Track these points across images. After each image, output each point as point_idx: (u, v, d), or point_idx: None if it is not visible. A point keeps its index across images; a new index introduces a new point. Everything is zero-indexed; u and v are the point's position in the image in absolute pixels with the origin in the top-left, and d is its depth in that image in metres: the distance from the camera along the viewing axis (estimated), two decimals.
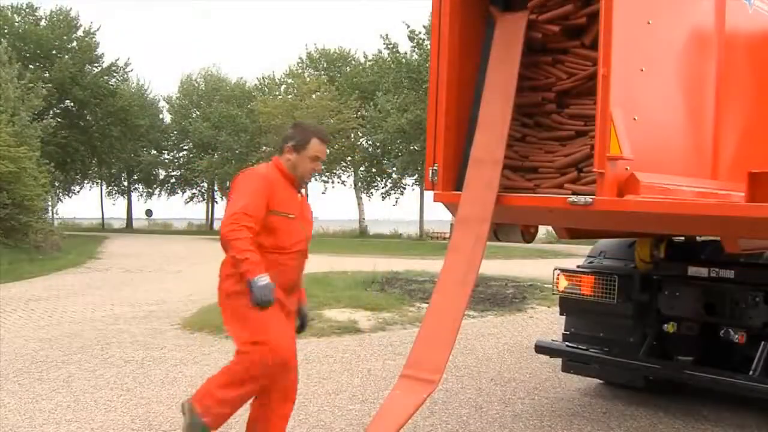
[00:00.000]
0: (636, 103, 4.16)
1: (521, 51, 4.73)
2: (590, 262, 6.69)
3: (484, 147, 4.69)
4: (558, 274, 6.50)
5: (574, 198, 4.29)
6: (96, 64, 49.68)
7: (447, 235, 40.05)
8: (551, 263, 26.80)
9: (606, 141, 4.00)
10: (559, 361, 6.98)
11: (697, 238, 6.22)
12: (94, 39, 49.00)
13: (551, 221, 5.81)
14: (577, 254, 32.52)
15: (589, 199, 4.18)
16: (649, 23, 4.28)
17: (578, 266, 6.63)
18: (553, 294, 6.77)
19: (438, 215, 52.98)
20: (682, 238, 6.27)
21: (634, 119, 4.12)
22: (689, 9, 4.74)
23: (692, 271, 5.77)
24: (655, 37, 4.36)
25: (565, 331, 6.77)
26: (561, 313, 6.77)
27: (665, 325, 5.82)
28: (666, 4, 4.52)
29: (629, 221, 4.76)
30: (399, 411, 4.25)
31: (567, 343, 6.57)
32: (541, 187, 4.66)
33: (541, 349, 6.60)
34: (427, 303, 12.39)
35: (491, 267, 22.30)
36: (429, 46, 34.83)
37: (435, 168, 4.97)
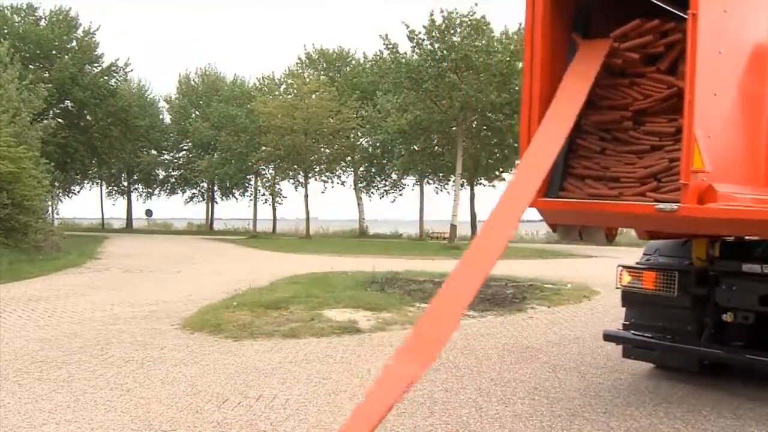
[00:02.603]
0: (710, 124, 4.78)
1: (597, 74, 5.45)
2: (647, 260, 7.43)
3: (535, 156, 5.35)
4: (621, 270, 7.24)
5: (661, 206, 4.93)
6: (96, 64, 49.70)
7: (447, 235, 40.13)
8: (551, 263, 26.87)
9: (690, 157, 4.68)
10: (558, 361, 7.14)
11: (745, 239, 6.95)
12: (93, 39, 49.04)
13: (635, 225, 7.03)
14: (577, 254, 32.63)
15: (674, 206, 4.82)
16: (720, 53, 4.90)
17: (636, 263, 7.37)
18: (616, 288, 7.35)
19: (438, 215, 53.14)
20: (731, 238, 6.95)
21: (709, 137, 4.76)
22: (749, 40, 5.44)
23: (746, 267, 6.51)
24: (725, 66, 5.03)
25: (625, 321, 7.45)
26: (622, 305, 7.41)
27: (723, 315, 6.55)
28: (732, 37, 5.17)
29: (706, 225, 5.61)
30: (393, 384, 4.27)
31: (632, 331, 7.27)
32: (624, 195, 5.31)
33: (608, 337, 7.41)
34: (427, 303, 12.41)
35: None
36: (428, 46, 35.01)
37: None
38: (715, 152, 4.78)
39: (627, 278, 7.17)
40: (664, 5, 5.52)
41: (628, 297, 7.28)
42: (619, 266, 7.31)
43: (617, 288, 7.34)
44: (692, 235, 6.86)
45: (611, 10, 5.76)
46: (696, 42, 4.68)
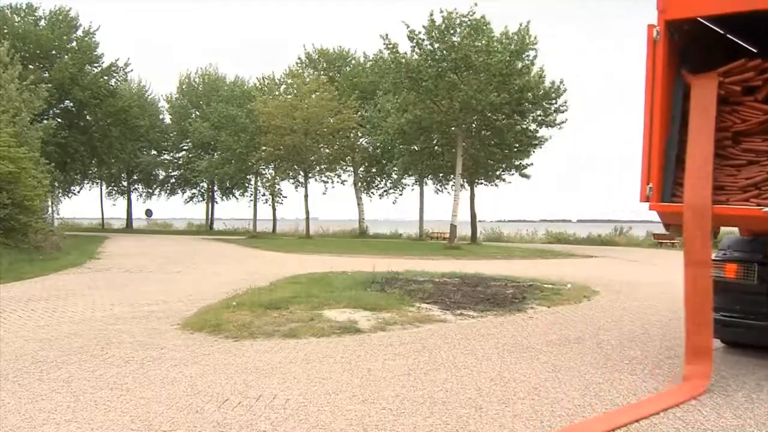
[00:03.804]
0: None
1: (716, 103, 7.19)
2: (723, 254, 8.55)
3: (697, 173, 7.04)
4: None
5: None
6: (96, 65, 49.71)
7: (447, 236, 40.14)
8: (551, 264, 26.87)
9: None
10: (558, 361, 7.21)
11: None
12: (93, 39, 49.02)
13: (741, 225, 8.64)
14: (575, 254, 32.60)
15: None
16: None
17: (715, 257, 8.34)
18: None
19: (438, 216, 53.15)
20: None
21: None
22: None
23: None
24: None
25: None
26: None
27: None
28: None
29: None
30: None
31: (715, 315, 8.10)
32: (730, 200, 7.06)
33: None
34: (427, 303, 12.45)
35: (491, 267, 22.35)
36: (428, 46, 35.04)
37: (650, 186, 7.36)
38: None
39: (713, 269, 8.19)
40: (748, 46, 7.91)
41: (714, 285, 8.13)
42: None
43: None
44: None
45: (702, 48, 7.78)
46: None
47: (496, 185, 46.67)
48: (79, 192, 62.42)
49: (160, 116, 64.37)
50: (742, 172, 7.18)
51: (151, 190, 67.59)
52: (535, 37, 37.23)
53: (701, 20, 7.68)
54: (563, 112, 39.91)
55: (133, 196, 67.52)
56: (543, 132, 41.43)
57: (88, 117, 49.92)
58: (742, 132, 7.29)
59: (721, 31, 8.08)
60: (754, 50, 8.12)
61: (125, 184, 66.71)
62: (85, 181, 62.22)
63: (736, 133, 7.33)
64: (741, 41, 8.09)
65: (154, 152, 64.18)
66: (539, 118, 40.39)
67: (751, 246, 8.46)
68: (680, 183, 7.33)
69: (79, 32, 48.82)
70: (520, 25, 37.15)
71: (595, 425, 5.72)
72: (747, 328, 8.21)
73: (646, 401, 6.40)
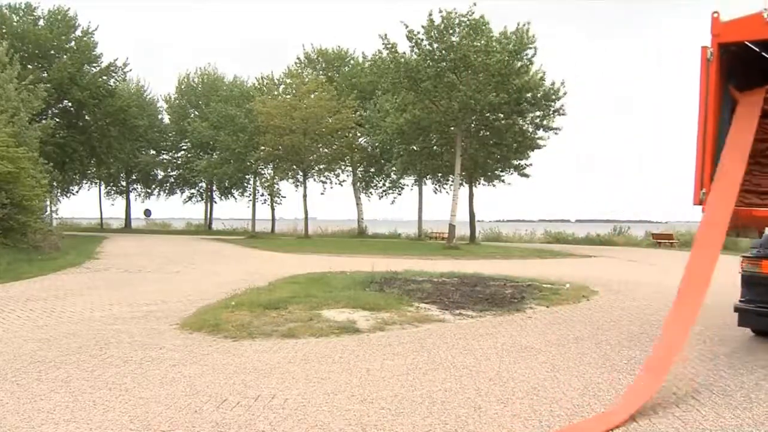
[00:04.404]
0: None
1: (758, 118, 8.17)
2: (757, 252, 9.39)
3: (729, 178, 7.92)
4: (743, 260, 9.49)
5: None
6: (94, 64, 49.64)
7: (445, 235, 40.13)
8: (549, 263, 26.87)
9: None
10: (557, 361, 7.14)
11: None
12: (92, 39, 48.98)
13: None
14: (574, 254, 32.59)
15: None
16: None
17: (749, 255, 9.45)
18: (739, 273, 9.55)
19: (436, 216, 53.23)
20: None
21: None
22: None
23: None
24: None
25: (741, 298, 9.49)
26: (741, 286, 9.51)
27: None
28: None
29: None
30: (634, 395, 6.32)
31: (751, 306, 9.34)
32: None
33: (738, 309, 9.46)
34: (426, 303, 12.45)
35: (490, 267, 22.35)
36: (427, 46, 35.06)
37: (704, 191, 8.37)
38: None
39: (747, 265, 9.38)
40: None
41: (748, 279, 9.39)
42: (742, 256, 9.65)
43: (739, 273, 9.54)
44: None
45: (744, 67, 8.78)
46: None
47: (494, 185, 46.74)
48: (77, 192, 62.52)
49: (159, 116, 64.34)
50: None
51: (149, 190, 67.58)
52: (534, 36, 37.24)
53: (747, 43, 8.83)
54: (562, 115, 39.94)
55: (132, 196, 67.61)
56: (541, 135, 41.46)
57: (86, 117, 49.89)
58: None
59: (763, 53, 9.21)
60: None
61: (124, 183, 66.69)
62: (84, 181, 62.21)
63: None
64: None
65: (152, 152, 64.15)
66: (537, 120, 40.40)
67: None
68: None
69: (78, 32, 48.78)
70: (518, 24, 37.14)
71: (594, 425, 5.73)
72: None
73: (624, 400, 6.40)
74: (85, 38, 48.58)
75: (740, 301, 9.46)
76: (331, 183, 54.42)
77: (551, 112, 39.82)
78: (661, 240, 45.73)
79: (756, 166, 8.41)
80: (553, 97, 38.98)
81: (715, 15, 8.43)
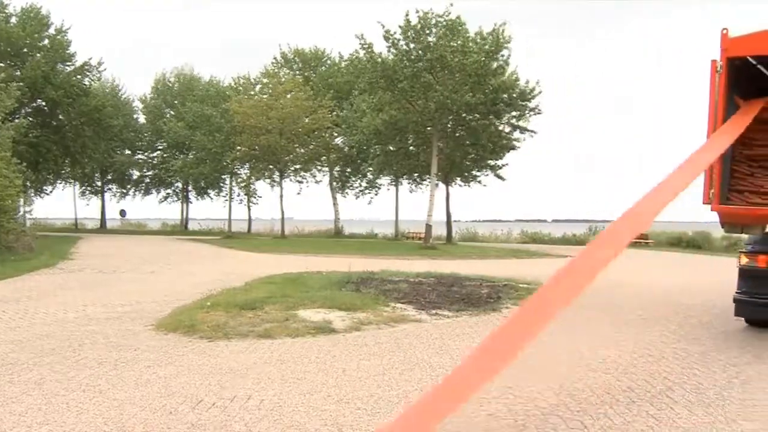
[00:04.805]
0: None
1: (750, 123, 8.90)
2: (751, 248, 10.23)
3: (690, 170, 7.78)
4: (740, 255, 10.29)
5: None
6: (68, 63, 49.11)
7: (422, 235, 40.19)
8: (526, 263, 26.98)
9: None
10: (532, 360, 7.20)
11: None
12: (65, 37, 48.48)
13: None
14: (551, 254, 32.76)
15: None
16: None
17: (746, 251, 10.25)
18: (737, 267, 10.30)
19: (413, 216, 53.27)
20: None
21: None
22: None
23: None
24: None
25: (738, 290, 10.24)
26: (739, 279, 10.21)
27: None
28: None
29: None
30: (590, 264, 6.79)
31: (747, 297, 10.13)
32: None
33: (736, 300, 10.26)
34: (402, 303, 12.45)
35: (466, 267, 22.41)
36: (404, 47, 35.10)
37: (712, 191, 9.41)
38: None
39: (745, 260, 10.15)
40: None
41: (745, 273, 10.14)
42: (739, 251, 10.43)
43: (737, 267, 10.25)
44: None
45: (744, 79, 9.66)
46: None
47: (469, 186, 46.92)
48: (51, 192, 61.72)
49: (135, 116, 63.85)
50: None
51: (125, 190, 66.95)
52: (509, 37, 37.44)
53: (748, 58, 9.74)
54: (538, 114, 40.19)
55: (107, 196, 66.93)
56: (517, 136, 41.77)
57: (60, 116, 49.31)
58: None
59: (760, 67, 10.06)
60: None
61: (99, 184, 66.05)
62: (58, 181, 61.48)
63: None
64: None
65: (128, 152, 63.62)
66: (513, 120, 40.64)
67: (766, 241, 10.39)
68: (733, 189, 9.70)
69: (51, 30, 48.25)
70: (495, 25, 37.30)
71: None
72: None
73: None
74: (58, 36, 48.04)
75: (737, 292, 10.24)
76: (307, 182, 54.36)
77: (527, 112, 40.05)
78: (637, 239, 45.99)
79: (759, 170, 9.64)
80: (529, 96, 39.22)
81: (725, 31, 9.36)
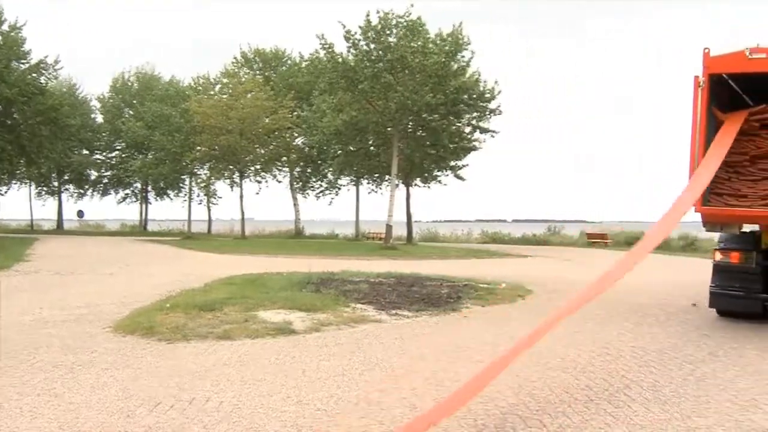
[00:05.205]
0: None
1: (736, 134, 10.43)
2: (723, 245, 11.48)
3: (697, 184, 9.73)
4: (715, 251, 11.59)
5: None
6: (23, 61, 48.27)
7: (382, 236, 40.22)
8: (486, 263, 27.12)
9: None
10: (490, 360, 7.11)
11: None
12: (20, 34, 47.65)
13: (762, 223, 11.10)
14: (511, 254, 32.95)
15: None
16: None
17: (719, 248, 11.52)
18: (713, 262, 11.49)
19: (374, 216, 53.33)
20: None
21: None
22: None
23: None
24: None
25: (712, 284, 11.48)
26: (713, 274, 11.44)
27: None
28: None
29: None
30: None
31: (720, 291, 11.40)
32: (753, 206, 10.36)
33: (712, 293, 11.47)
34: (362, 304, 12.45)
35: (427, 267, 22.46)
36: (364, 47, 35.12)
37: None
38: None
39: (719, 256, 11.38)
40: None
41: (719, 268, 11.36)
42: (714, 249, 11.69)
43: (712, 263, 11.51)
44: None
45: (719, 94, 10.92)
46: None
47: (429, 187, 47.13)
48: (6, 192, 60.76)
49: (92, 115, 63.04)
50: (758, 185, 10.58)
51: (83, 191, 66.03)
52: (469, 38, 37.72)
53: (724, 75, 11.03)
54: (498, 115, 40.48)
55: (64, 196, 65.96)
56: (477, 136, 42.06)
57: (15, 115, 48.43)
58: (758, 156, 10.74)
59: (731, 83, 11.40)
60: (746, 97, 11.68)
61: (56, 184, 65.04)
62: (13, 181, 60.52)
63: (753, 156, 10.74)
64: (740, 91, 11.64)
65: (86, 152, 62.78)
66: (473, 121, 40.90)
67: (745, 239, 11.55)
68: (714, 192, 10.67)
69: (5, 27, 47.42)
70: (454, 26, 37.54)
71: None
72: (742, 300, 11.11)
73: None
74: (12, 33, 47.21)
75: (711, 286, 11.48)
76: (267, 182, 54.15)
77: (487, 113, 40.32)
78: (596, 239, 46.56)
79: (735, 175, 10.77)
80: (487, 96, 39.48)
81: (706, 50, 10.64)
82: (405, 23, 35.73)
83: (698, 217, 11.11)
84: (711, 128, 10.78)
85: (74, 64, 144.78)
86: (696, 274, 19.22)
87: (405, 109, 36.23)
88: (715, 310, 12.00)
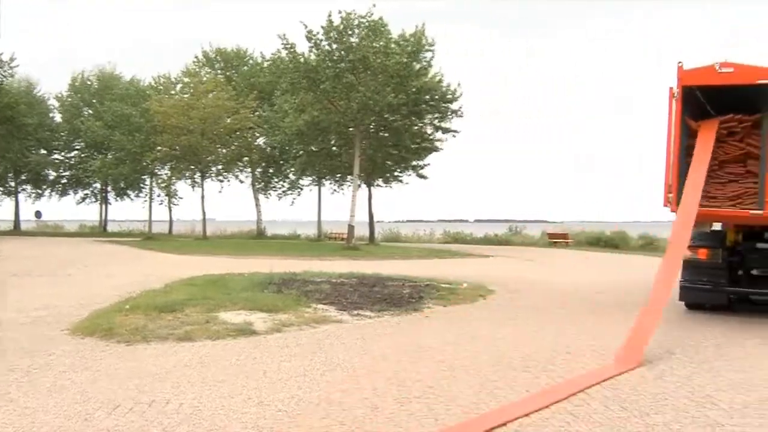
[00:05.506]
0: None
1: (714, 142, 11.62)
2: (694, 243, 12.02)
3: (695, 188, 11.01)
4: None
5: (754, 211, 11.04)
6: None
7: (344, 236, 40.20)
8: (448, 263, 27.22)
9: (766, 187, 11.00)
10: (454, 360, 7.20)
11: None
12: None
13: (730, 221, 12.38)
14: (473, 254, 33.07)
15: (759, 211, 10.96)
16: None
17: (690, 245, 11.80)
18: (683, 258, 11.47)
19: (336, 216, 53.25)
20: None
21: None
22: None
23: (759, 245, 12.11)
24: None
25: (681, 279, 12.28)
26: (682, 269, 12.04)
27: (752, 272, 12.06)
28: None
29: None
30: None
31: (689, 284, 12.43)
32: (723, 206, 11.44)
33: (683, 287, 12.41)
34: (324, 304, 12.43)
35: (389, 267, 22.48)
36: (326, 47, 35.08)
37: (671, 195, 11.65)
38: None
39: (688, 253, 11.74)
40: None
41: (688, 264, 12.13)
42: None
43: (684, 259, 11.59)
44: (746, 226, 12.35)
45: (689, 104, 11.83)
46: (760, 128, 11.57)
47: (391, 187, 47.25)
48: None
49: (51, 114, 62.15)
50: (727, 187, 11.72)
51: (40, 191, 65.05)
52: (433, 39, 37.87)
53: (693, 87, 11.84)
54: (460, 116, 40.70)
55: (21, 197, 64.91)
56: (440, 137, 42.29)
57: None
58: (726, 161, 11.93)
59: (698, 94, 12.16)
60: (709, 108, 12.49)
61: (12, 184, 64.08)
62: None
63: (722, 161, 11.91)
64: (705, 102, 12.40)
65: (43, 151, 61.88)
66: (435, 121, 41.09)
67: (713, 237, 12.75)
68: None
69: None
70: (416, 26, 37.65)
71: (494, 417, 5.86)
72: (710, 293, 12.19)
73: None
74: None
75: (681, 280, 12.30)
76: (229, 182, 53.88)
77: (449, 114, 40.52)
78: (557, 239, 47.00)
79: (706, 178, 11.47)
80: (449, 97, 39.67)
81: (680, 64, 11.61)
82: (367, 23, 35.74)
83: (672, 216, 11.76)
84: (684, 135, 11.90)
85: (74, 64, 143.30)
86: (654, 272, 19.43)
87: (367, 110, 36.24)
88: (682, 304, 12.86)
